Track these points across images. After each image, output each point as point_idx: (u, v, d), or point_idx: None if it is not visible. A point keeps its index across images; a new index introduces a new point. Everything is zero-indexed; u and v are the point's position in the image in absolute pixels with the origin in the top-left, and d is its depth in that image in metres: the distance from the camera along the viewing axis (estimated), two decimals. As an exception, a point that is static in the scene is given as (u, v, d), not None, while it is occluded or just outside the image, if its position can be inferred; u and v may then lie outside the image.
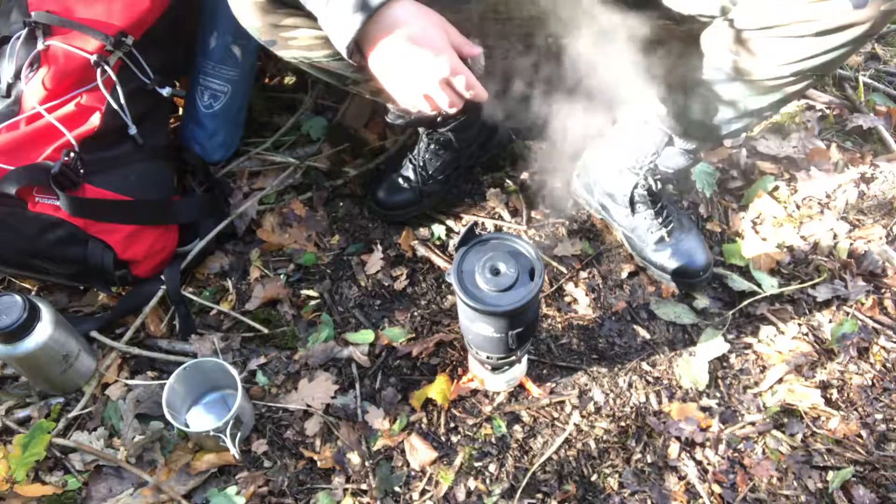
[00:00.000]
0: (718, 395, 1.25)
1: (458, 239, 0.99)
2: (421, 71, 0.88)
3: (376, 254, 1.42)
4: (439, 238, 1.46)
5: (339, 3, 0.85)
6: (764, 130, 1.63)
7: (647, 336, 1.32)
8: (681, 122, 1.21)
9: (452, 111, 0.93)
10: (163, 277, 1.32)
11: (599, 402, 1.24)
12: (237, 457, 1.12)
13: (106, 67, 1.21)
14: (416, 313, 1.35)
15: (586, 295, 1.37)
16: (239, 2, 0.99)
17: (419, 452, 1.17)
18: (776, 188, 1.52)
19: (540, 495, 1.14)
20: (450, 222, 1.49)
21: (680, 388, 1.26)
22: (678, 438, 1.19)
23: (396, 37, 0.86)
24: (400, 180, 1.45)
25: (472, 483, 1.15)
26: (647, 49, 1.18)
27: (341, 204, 1.52)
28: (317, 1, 0.88)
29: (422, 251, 1.44)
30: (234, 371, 1.13)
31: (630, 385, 1.26)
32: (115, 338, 1.28)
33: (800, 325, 1.33)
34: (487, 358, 1.08)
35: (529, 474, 1.15)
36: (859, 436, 1.20)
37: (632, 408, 1.23)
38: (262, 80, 1.73)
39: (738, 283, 1.37)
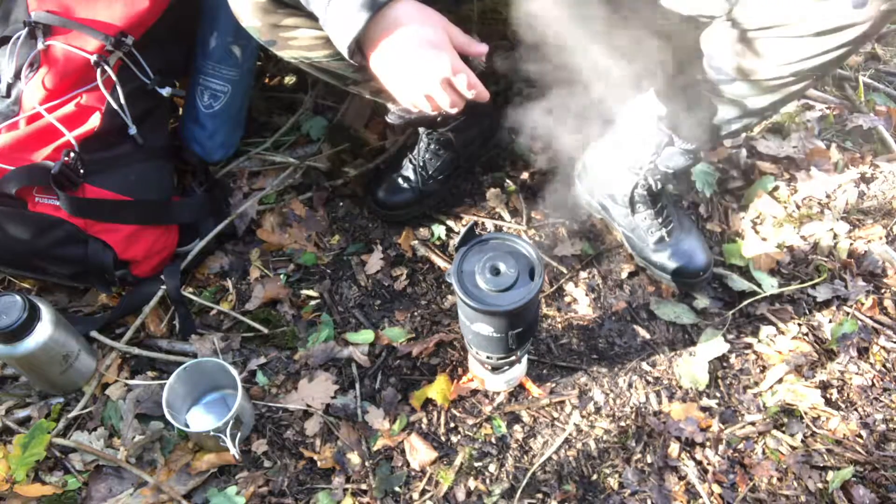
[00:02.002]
0: (718, 395, 1.25)
1: (458, 239, 0.99)
2: (422, 71, 0.87)
3: (376, 254, 1.42)
4: (439, 238, 1.46)
5: (341, 3, 0.85)
6: (764, 130, 1.63)
7: (647, 336, 1.32)
8: (680, 122, 1.21)
9: (454, 111, 0.93)
10: (163, 277, 1.32)
11: (599, 402, 1.24)
12: (237, 457, 1.12)
13: (106, 67, 1.21)
14: (416, 313, 1.35)
15: (586, 295, 1.37)
16: (239, 2, 0.99)
17: (419, 452, 1.17)
18: (776, 188, 1.52)
19: (540, 495, 1.14)
20: (450, 222, 1.49)
21: (680, 388, 1.26)
22: (678, 438, 1.19)
23: (397, 37, 0.86)
24: (400, 180, 1.45)
25: (472, 483, 1.15)
26: (646, 49, 1.18)
27: (341, 204, 1.52)
28: (318, 2, 0.87)
29: (422, 251, 1.44)
30: (234, 371, 1.13)
31: (630, 385, 1.26)
32: (115, 338, 1.28)
33: (800, 325, 1.33)
34: (487, 358, 1.08)
35: (529, 474, 1.15)
36: (859, 436, 1.20)
37: (632, 408, 1.23)
38: (262, 80, 1.73)
39: (738, 283, 1.37)
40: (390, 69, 0.90)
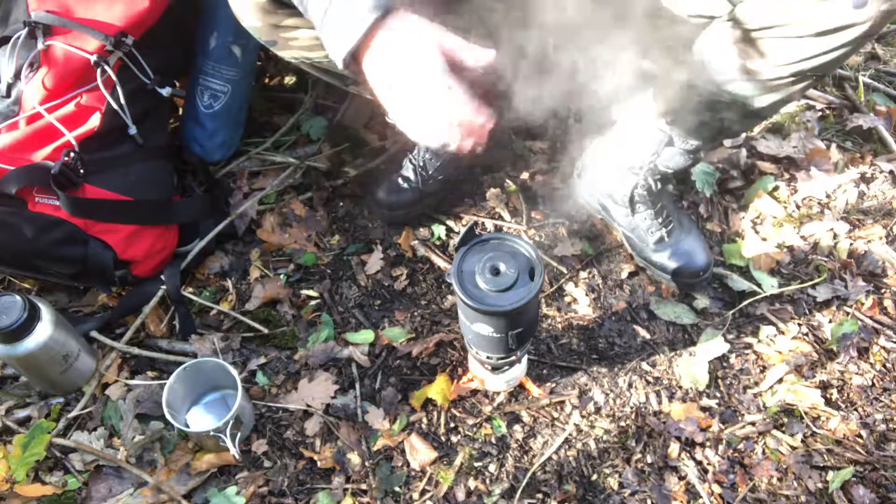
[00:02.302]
0: (718, 395, 1.25)
1: (458, 239, 0.99)
2: (422, 112, 0.79)
3: (376, 254, 1.42)
4: (439, 238, 1.46)
5: (334, 18, 0.80)
6: (764, 130, 1.63)
7: (647, 336, 1.32)
8: (680, 122, 1.21)
9: (477, 147, 0.80)
10: (163, 277, 1.32)
11: (599, 402, 1.24)
12: (237, 457, 1.12)
13: (106, 67, 1.21)
14: (416, 313, 1.35)
15: (586, 295, 1.37)
16: (240, 2, 0.99)
17: (419, 452, 1.17)
18: (776, 188, 1.52)
19: (540, 495, 1.14)
20: (450, 222, 1.49)
21: (680, 388, 1.26)
22: (678, 438, 1.19)
23: (388, 67, 0.78)
24: (400, 180, 1.45)
25: (472, 483, 1.15)
26: (646, 49, 1.17)
27: (341, 204, 1.52)
28: (315, 9, 0.83)
29: (422, 251, 1.44)
30: (234, 371, 1.13)
31: (630, 385, 1.26)
32: (115, 338, 1.28)
33: (800, 325, 1.33)
34: (487, 358, 1.08)
35: (529, 474, 1.15)
36: (859, 436, 1.20)
37: (632, 408, 1.23)
38: (262, 80, 1.73)
39: (738, 283, 1.37)
40: (390, 100, 0.81)
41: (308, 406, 1.22)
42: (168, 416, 1.09)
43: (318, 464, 1.16)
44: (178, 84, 1.51)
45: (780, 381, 1.26)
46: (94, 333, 1.27)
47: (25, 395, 1.24)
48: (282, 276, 1.39)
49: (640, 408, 1.23)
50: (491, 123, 0.78)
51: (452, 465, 1.17)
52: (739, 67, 1.04)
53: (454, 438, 1.20)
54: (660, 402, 1.24)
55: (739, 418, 1.22)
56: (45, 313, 1.12)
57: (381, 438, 1.19)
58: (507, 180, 1.54)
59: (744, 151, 1.57)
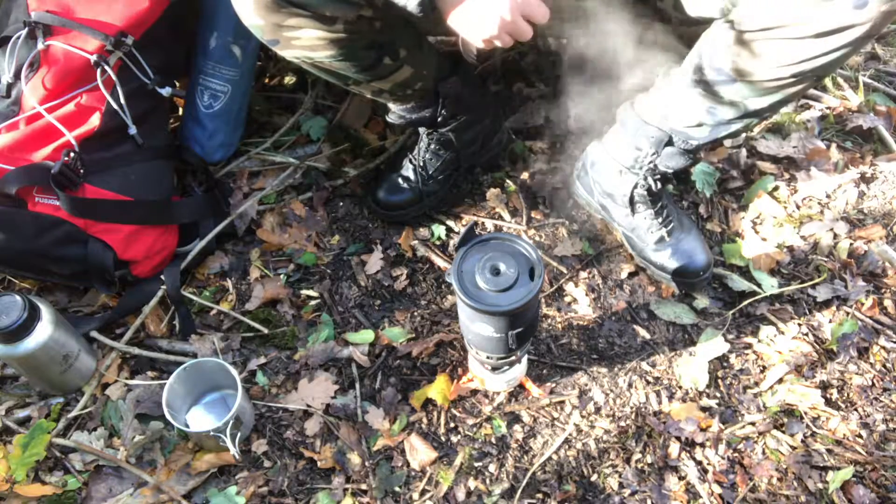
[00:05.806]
0: (718, 395, 1.25)
1: (458, 239, 0.99)
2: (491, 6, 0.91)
3: (376, 254, 1.42)
4: (439, 238, 1.46)
5: None
6: (764, 130, 1.63)
7: (647, 336, 1.32)
8: (680, 122, 1.21)
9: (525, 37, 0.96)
10: (163, 277, 1.32)
11: (599, 402, 1.24)
12: (237, 457, 1.12)
13: (106, 67, 1.21)
14: (416, 313, 1.35)
15: (586, 295, 1.37)
16: (242, 1, 0.99)
17: (419, 452, 1.17)
18: (776, 188, 1.52)
19: (540, 495, 1.14)
20: (450, 222, 1.49)
21: (680, 388, 1.26)
22: (678, 438, 1.19)
23: None
24: (400, 180, 1.45)
25: (472, 483, 1.15)
26: (646, 50, 1.17)
27: (341, 204, 1.52)
28: None
29: (422, 251, 1.44)
30: (234, 371, 1.13)
31: (630, 385, 1.26)
32: (115, 338, 1.28)
33: (800, 325, 1.33)
34: (487, 358, 1.08)
35: (529, 474, 1.15)
36: (859, 436, 1.20)
37: (632, 408, 1.23)
38: (262, 80, 1.73)
39: (738, 283, 1.37)
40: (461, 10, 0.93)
41: (308, 406, 1.22)
42: (168, 416, 1.09)
43: (318, 464, 1.16)
44: (178, 84, 1.51)
45: (780, 381, 1.26)
46: (94, 333, 1.27)
47: (25, 395, 1.24)
48: (282, 276, 1.39)
49: (640, 408, 1.23)
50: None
51: (452, 465, 1.17)
52: (737, 69, 1.04)
53: (454, 438, 1.20)
54: (660, 402, 1.24)
55: (739, 418, 1.22)
56: (45, 313, 1.12)
57: (381, 438, 1.19)
58: (507, 180, 1.54)
59: (744, 151, 1.57)
